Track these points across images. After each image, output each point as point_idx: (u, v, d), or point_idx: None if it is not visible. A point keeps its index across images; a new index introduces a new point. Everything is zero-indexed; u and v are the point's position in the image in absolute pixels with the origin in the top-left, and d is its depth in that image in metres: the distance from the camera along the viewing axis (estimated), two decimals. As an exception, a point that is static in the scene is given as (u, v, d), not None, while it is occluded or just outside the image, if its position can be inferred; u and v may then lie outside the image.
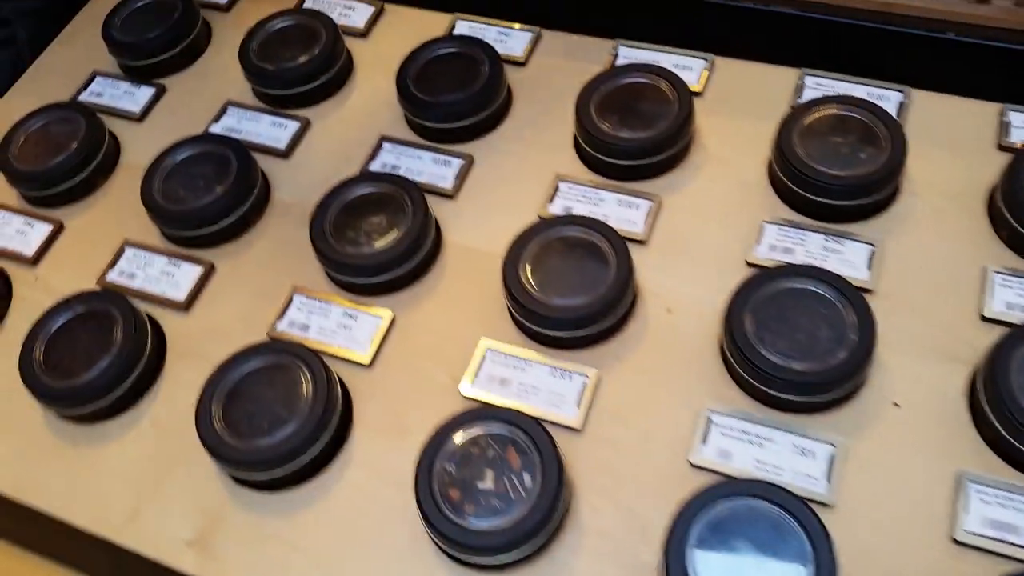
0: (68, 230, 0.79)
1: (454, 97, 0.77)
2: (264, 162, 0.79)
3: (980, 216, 0.69)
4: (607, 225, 0.67)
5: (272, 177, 0.79)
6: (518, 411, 0.59)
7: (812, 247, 0.68)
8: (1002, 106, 0.74)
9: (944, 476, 0.58)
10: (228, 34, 0.91)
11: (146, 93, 0.86)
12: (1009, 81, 0.75)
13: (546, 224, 0.68)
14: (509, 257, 0.66)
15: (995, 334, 0.62)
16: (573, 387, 0.64)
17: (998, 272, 0.66)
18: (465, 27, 0.87)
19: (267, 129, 0.82)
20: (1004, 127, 0.73)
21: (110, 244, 0.76)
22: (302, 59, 0.82)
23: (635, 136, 0.72)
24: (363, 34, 0.89)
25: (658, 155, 0.73)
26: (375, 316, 0.69)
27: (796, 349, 0.60)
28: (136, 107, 0.86)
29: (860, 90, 0.77)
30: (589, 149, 0.74)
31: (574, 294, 0.64)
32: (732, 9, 0.80)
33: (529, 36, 0.85)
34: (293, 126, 0.82)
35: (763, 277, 0.63)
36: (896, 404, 0.62)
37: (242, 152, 0.76)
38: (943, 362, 0.63)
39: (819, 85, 0.78)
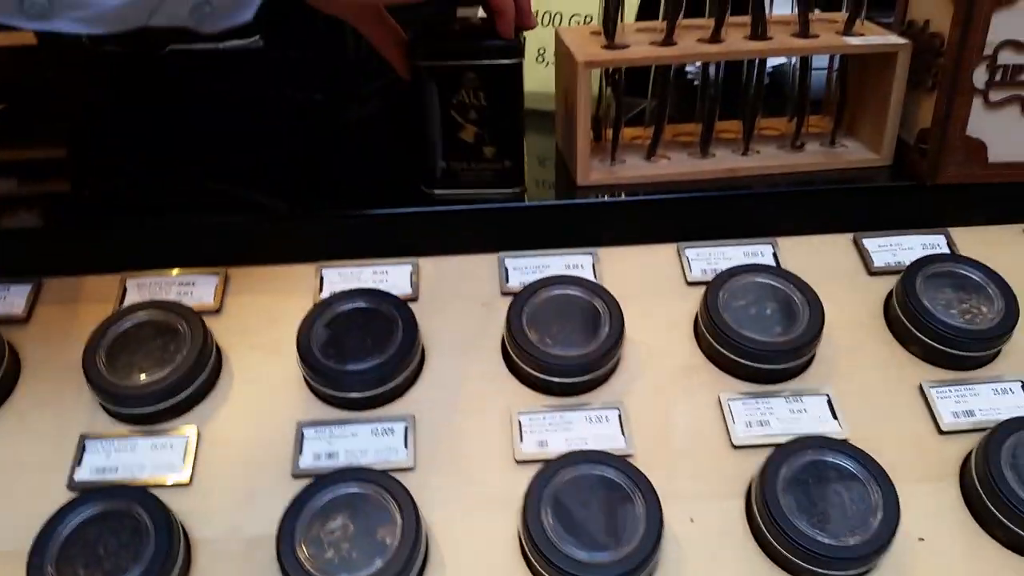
0: None
1: (379, 359, 0.69)
2: (164, 497, 0.64)
3: (888, 339, 0.76)
4: (608, 454, 0.64)
5: (183, 516, 0.64)
6: None
7: (781, 413, 0.70)
8: (854, 235, 0.84)
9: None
10: (40, 351, 0.74)
11: (-39, 455, 0.67)
12: (848, 212, 0.85)
13: (551, 470, 0.62)
14: (528, 519, 0.60)
15: (960, 444, 0.68)
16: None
17: (933, 386, 0.72)
18: (334, 275, 0.80)
19: (150, 456, 0.67)
20: (864, 254, 0.82)
21: None
22: (171, 364, 0.69)
23: (585, 350, 0.70)
24: (216, 310, 0.77)
25: (608, 362, 0.71)
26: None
27: (833, 523, 0.61)
28: (-47, 477, 0.66)
29: (736, 250, 0.82)
30: (537, 372, 0.70)
31: (609, 541, 0.59)
32: (604, 204, 0.83)
33: (408, 268, 0.80)
34: (180, 444, 0.68)
35: (781, 457, 0.63)
36: (921, 539, 0.64)
37: (148, 501, 0.60)
38: (933, 482, 0.67)
39: (699, 256, 0.82)
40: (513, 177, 0.80)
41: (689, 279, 0.80)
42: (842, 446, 0.64)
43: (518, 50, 0.73)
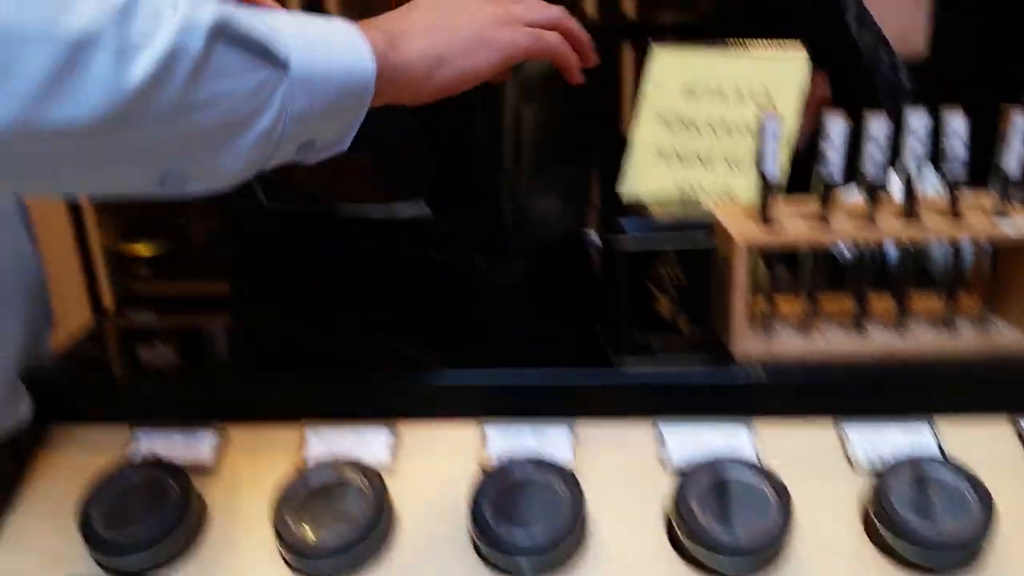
0: None
1: (547, 531, 0.71)
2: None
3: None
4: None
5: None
6: None
7: (952, 612, 0.69)
8: (1013, 417, 0.83)
9: None
10: (227, 500, 0.79)
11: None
12: (1005, 394, 0.84)
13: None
14: None
15: None
16: None
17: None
18: (496, 433, 0.83)
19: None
20: (1025, 439, 0.82)
21: None
22: (351, 521, 0.72)
23: (753, 534, 0.71)
24: (389, 468, 0.81)
25: (777, 547, 0.72)
26: None
27: None
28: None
29: (895, 429, 0.82)
30: (706, 552, 0.71)
31: None
32: (763, 379, 0.85)
33: (566, 431, 0.83)
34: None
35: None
36: None
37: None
38: None
39: (859, 435, 0.82)
40: (707, 347, 0.84)
41: (850, 458, 0.80)
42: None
43: (714, 233, 0.81)
